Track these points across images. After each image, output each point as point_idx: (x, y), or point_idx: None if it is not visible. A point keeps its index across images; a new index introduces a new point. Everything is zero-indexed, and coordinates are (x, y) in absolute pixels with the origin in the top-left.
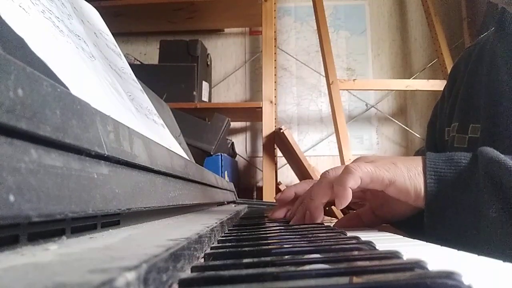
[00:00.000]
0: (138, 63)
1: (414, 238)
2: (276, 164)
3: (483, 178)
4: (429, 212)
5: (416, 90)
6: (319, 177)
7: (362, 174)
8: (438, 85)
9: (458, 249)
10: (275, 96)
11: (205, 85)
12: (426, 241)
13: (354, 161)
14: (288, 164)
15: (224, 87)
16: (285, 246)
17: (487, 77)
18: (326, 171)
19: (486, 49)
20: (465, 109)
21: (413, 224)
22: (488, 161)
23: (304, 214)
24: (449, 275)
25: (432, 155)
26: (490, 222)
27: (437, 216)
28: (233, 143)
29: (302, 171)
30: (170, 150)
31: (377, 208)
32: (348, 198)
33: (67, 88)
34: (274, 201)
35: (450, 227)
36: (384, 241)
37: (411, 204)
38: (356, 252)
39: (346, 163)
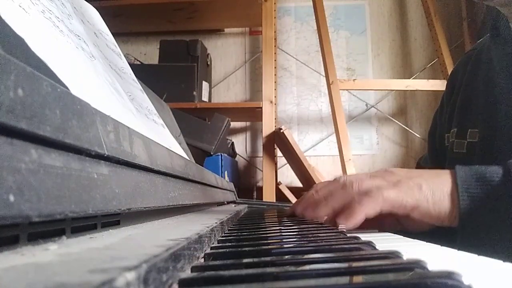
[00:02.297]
0: (138, 63)
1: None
2: (276, 164)
3: None
4: (463, 233)
5: (416, 90)
6: (333, 179)
7: (383, 204)
8: (438, 85)
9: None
10: (275, 96)
11: (205, 85)
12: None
13: (379, 173)
14: (288, 164)
15: (224, 87)
16: (285, 246)
17: (484, 82)
18: (351, 181)
19: (483, 54)
20: (464, 114)
21: (437, 235)
22: None
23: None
24: (449, 275)
25: (463, 173)
26: None
27: (471, 237)
28: (233, 143)
29: (302, 171)
30: (170, 150)
31: (400, 217)
32: (358, 224)
33: (67, 88)
34: (274, 201)
35: (486, 248)
36: (384, 241)
37: (436, 224)
38: (356, 252)
39: (346, 163)
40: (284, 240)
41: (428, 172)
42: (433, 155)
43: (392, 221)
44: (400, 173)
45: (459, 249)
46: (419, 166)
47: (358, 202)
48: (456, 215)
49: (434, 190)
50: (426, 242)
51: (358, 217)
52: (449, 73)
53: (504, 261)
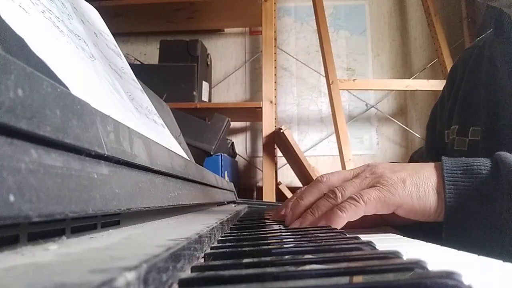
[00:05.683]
0: (138, 63)
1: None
2: (276, 164)
3: (507, 190)
4: (448, 227)
5: (416, 90)
6: (316, 180)
7: (365, 209)
8: (438, 85)
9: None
10: (275, 96)
11: (205, 85)
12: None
13: (361, 170)
14: (288, 164)
15: (224, 87)
16: (285, 246)
17: (486, 79)
18: (334, 190)
19: (485, 51)
20: (465, 111)
21: (422, 230)
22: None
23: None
24: (449, 275)
25: (449, 164)
26: None
27: (457, 232)
28: (233, 143)
29: (302, 171)
30: (170, 150)
31: (384, 215)
32: (341, 226)
33: (67, 88)
34: (274, 201)
35: (471, 242)
36: (384, 241)
37: (421, 220)
38: (356, 252)
39: (346, 164)
40: (284, 240)
41: (412, 165)
42: (431, 149)
43: (374, 218)
44: (383, 167)
45: (443, 244)
46: (413, 160)
47: (341, 210)
48: (442, 209)
49: (418, 185)
50: (411, 237)
51: (340, 224)
52: (449, 69)
53: (504, 261)
